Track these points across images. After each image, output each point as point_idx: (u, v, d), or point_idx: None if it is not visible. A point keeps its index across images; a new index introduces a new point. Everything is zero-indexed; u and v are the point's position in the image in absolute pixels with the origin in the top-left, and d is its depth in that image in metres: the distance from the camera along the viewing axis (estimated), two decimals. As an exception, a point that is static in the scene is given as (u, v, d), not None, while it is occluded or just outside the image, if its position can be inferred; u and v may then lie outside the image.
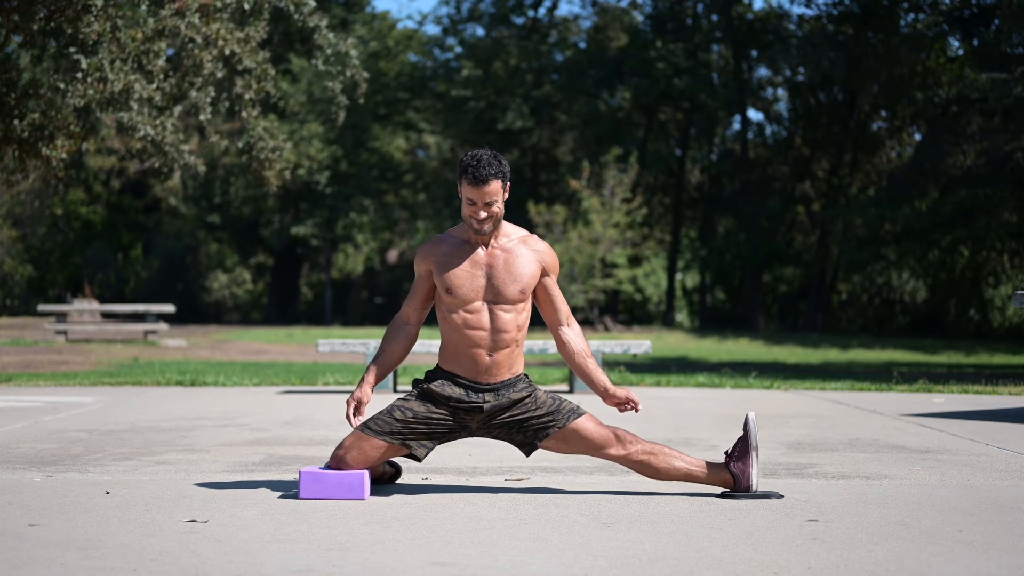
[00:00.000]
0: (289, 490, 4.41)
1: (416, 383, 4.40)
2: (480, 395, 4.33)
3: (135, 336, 20.54)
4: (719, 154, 37.85)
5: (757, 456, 4.32)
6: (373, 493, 4.36)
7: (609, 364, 13.58)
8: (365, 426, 4.30)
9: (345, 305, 41.05)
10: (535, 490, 4.48)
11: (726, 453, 4.39)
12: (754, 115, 38.84)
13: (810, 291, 33.75)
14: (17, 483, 4.57)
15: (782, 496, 4.32)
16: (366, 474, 4.26)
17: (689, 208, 38.92)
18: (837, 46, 31.31)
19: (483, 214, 4.27)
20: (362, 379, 4.39)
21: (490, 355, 4.33)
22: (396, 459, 4.76)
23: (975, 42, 28.86)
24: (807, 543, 3.49)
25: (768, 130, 37.81)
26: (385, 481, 4.60)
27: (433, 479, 4.77)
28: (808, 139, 35.64)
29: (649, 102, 35.40)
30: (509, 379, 4.36)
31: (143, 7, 11.26)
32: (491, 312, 4.33)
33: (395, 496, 4.33)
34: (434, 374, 4.40)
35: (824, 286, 33.60)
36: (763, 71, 36.45)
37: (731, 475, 4.33)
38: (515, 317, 4.35)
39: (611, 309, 34.50)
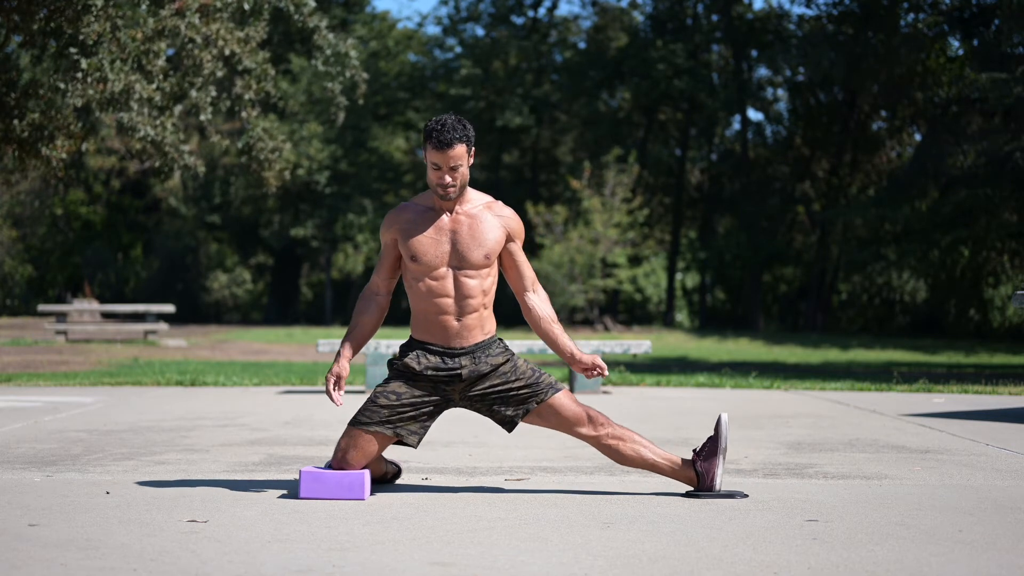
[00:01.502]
0: (289, 490, 4.41)
1: (391, 363, 4.37)
2: (456, 360, 4.31)
3: (135, 336, 20.53)
4: (719, 154, 37.85)
5: (724, 458, 4.33)
6: (373, 493, 4.36)
7: (609, 364, 13.59)
8: (355, 421, 4.30)
9: (345, 305, 41.06)
10: (535, 490, 4.48)
11: (694, 451, 4.39)
12: (754, 115, 38.88)
13: (810, 291, 33.76)
14: (17, 483, 4.57)
15: (747, 495, 4.32)
16: (366, 474, 4.26)
17: (689, 208, 38.93)
18: (837, 46, 31.31)
19: (448, 179, 4.25)
20: (338, 354, 4.36)
21: (458, 320, 4.31)
22: (394, 455, 4.76)
23: (975, 42, 28.86)
24: (807, 543, 3.49)
25: (768, 130, 37.82)
26: (388, 481, 4.61)
27: (433, 479, 4.76)
28: (808, 139, 35.65)
29: (649, 102, 35.41)
30: (483, 341, 4.35)
31: (143, 7, 11.26)
32: (456, 278, 4.31)
33: (395, 496, 4.33)
34: (407, 347, 4.38)
35: (824, 286, 33.60)
36: (763, 71, 36.46)
37: (696, 473, 4.32)
38: (480, 283, 4.33)
39: (611, 309, 34.50)
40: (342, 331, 27.48)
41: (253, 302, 41.49)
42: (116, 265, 39.10)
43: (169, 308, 20.61)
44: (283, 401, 8.66)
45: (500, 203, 4.43)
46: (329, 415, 7.48)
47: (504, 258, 4.43)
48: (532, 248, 32.34)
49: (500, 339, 4.43)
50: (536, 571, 3.12)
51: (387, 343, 9.34)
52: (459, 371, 4.30)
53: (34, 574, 3.04)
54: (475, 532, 3.63)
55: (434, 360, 4.32)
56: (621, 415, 7.57)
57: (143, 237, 40.35)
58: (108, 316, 26.94)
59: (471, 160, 4.31)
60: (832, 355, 22.23)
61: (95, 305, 23.45)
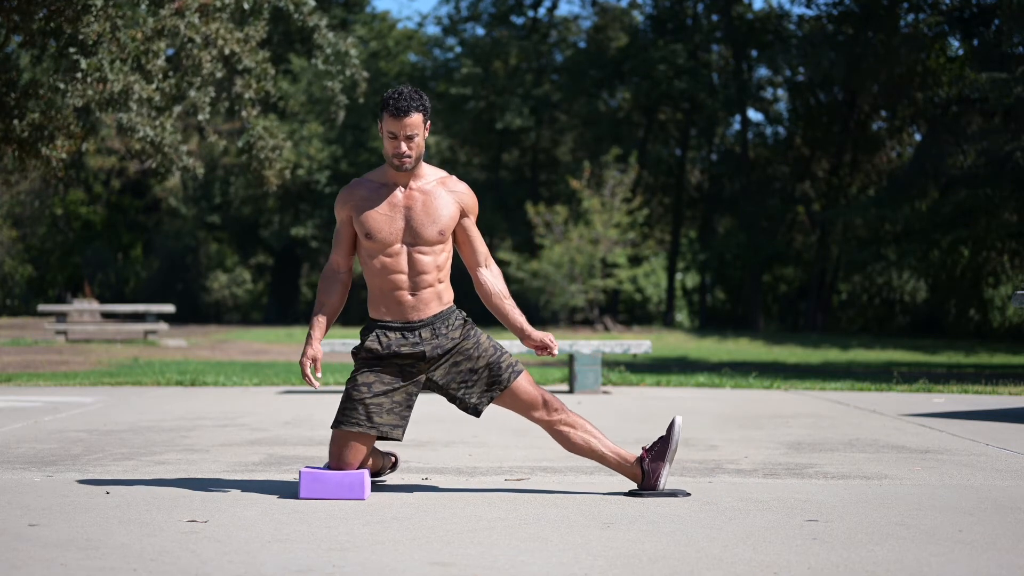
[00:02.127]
0: (289, 490, 4.41)
1: (355, 353, 4.36)
2: (415, 333, 4.30)
3: (135, 336, 20.53)
4: (719, 154, 37.84)
5: (672, 462, 4.35)
6: (373, 493, 4.37)
7: (609, 364, 13.58)
8: (337, 423, 4.29)
9: (345, 305, 41.06)
10: (535, 490, 4.48)
11: (644, 448, 4.41)
12: (754, 115, 38.85)
13: (810, 291, 33.75)
14: (17, 483, 4.57)
15: (689, 494, 4.34)
16: (366, 473, 4.27)
17: (689, 208, 38.92)
18: (837, 46, 31.30)
19: (404, 147, 4.24)
20: (309, 336, 4.36)
21: (413, 295, 4.31)
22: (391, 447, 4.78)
23: (975, 42, 28.85)
24: (807, 543, 3.49)
25: (768, 130, 37.81)
26: (388, 470, 4.61)
27: (433, 479, 4.77)
28: (808, 139, 35.64)
29: (649, 102, 35.41)
30: (440, 312, 4.34)
31: (143, 7, 11.26)
32: (410, 255, 4.31)
33: (395, 496, 4.33)
34: (367, 329, 4.37)
35: (824, 286, 33.59)
36: (763, 71, 36.44)
37: (642, 471, 4.34)
38: (434, 259, 4.32)
39: (611, 309, 34.50)
40: (342, 331, 27.46)
41: (253, 302, 41.48)
42: (116, 265, 39.09)
43: (169, 308, 20.61)
44: (283, 401, 8.66)
45: (454, 178, 4.42)
46: (329, 415, 7.48)
47: (458, 233, 4.42)
48: (532, 248, 32.35)
49: (459, 310, 4.42)
50: (536, 571, 3.12)
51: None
52: (422, 347, 4.29)
53: (34, 574, 3.04)
54: (475, 532, 3.64)
55: (394, 336, 4.31)
56: (621, 415, 7.58)
57: (143, 237, 40.34)
58: (108, 316, 26.94)
59: (427, 132, 4.30)
60: (832, 355, 22.23)
61: (95, 305, 23.45)
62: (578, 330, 29.41)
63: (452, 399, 4.40)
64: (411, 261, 4.31)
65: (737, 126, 36.79)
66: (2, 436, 6.17)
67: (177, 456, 5.42)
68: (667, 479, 4.39)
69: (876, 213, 29.69)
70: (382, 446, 5.45)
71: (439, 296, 4.35)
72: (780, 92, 36.77)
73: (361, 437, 4.27)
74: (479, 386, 4.36)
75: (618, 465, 4.38)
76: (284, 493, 4.35)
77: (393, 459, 4.65)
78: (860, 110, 33.37)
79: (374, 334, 4.33)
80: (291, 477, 4.78)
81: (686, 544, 3.47)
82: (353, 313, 27.02)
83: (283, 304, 38.79)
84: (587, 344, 9.65)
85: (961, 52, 30.62)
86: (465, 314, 4.45)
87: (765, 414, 7.66)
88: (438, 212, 4.32)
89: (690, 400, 8.96)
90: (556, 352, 4.45)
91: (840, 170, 34.09)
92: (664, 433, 4.42)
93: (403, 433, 4.34)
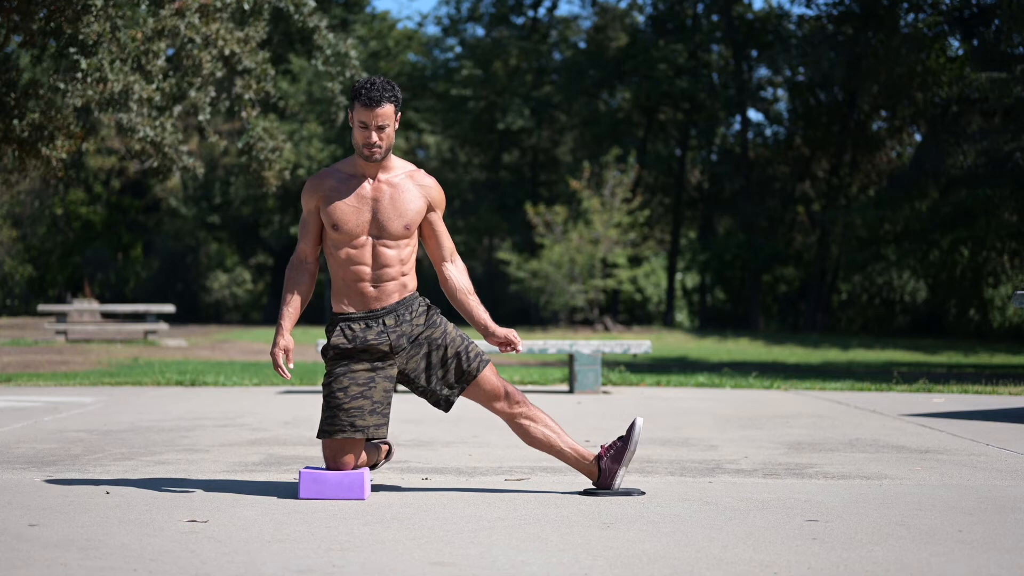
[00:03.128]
0: (289, 490, 4.41)
1: (323, 353, 4.36)
2: (379, 321, 4.30)
3: (135, 336, 20.53)
4: (719, 154, 37.84)
5: (629, 463, 4.36)
6: (373, 493, 4.37)
7: (609, 364, 13.58)
8: (322, 432, 4.29)
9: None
10: (535, 490, 4.48)
11: (602, 446, 4.42)
12: (754, 115, 38.88)
13: (810, 291, 33.75)
14: (17, 483, 4.57)
15: (643, 492, 4.36)
16: (366, 473, 4.27)
17: (689, 208, 38.91)
18: (837, 46, 31.30)
19: (375, 137, 4.24)
20: (279, 327, 4.36)
21: (375, 287, 4.32)
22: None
23: (975, 42, 28.85)
24: (807, 543, 3.49)
25: (768, 130, 37.82)
26: (383, 461, 4.62)
27: (433, 479, 4.77)
28: (808, 139, 35.63)
29: (649, 102, 35.40)
30: (402, 299, 4.34)
31: (143, 7, 11.25)
32: (374, 247, 4.31)
33: (395, 496, 4.33)
34: (331, 325, 4.37)
35: (824, 286, 33.59)
36: (763, 71, 36.45)
37: (599, 469, 4.35)
38: (398, 253, 4.33)
39: (611, 309, 34.50)
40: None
41: (253, 302, 41.48)
42: (116, 265, 39.09)
43: (169, 308, 20.60)
44: (283, 401, 8.66)
45: (422, 172, 4.42)
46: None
47: (424, 228, 4.42)
48: (532, 248, 32.33)
49: (422, 297, 4.43)
50: (536, 571, 3.12)
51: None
52: (386, 335, 4.29)
53: (34, 574, 3.04)
54: (475, 532, 3.64)
55: (358, 328, 4.31)
56: (621, 415, 7.58)
57: (143, 237, 40.34)
58: (108, 316, 26.93)
59: (397, 123, 4.30)
60: (832, 355, 22.23)
61: (95, 305, 23.44)
62: (578, 330, 29.41)
63: (422, 392, 4.40)
64: (375, 254, 4.32)
65: (737, 126, 36.80)
66: (2, 436, 6.17)
67: (177, 456, 5.42)
68: (623, 479, 4.42)
69: (876, 213, 29.68)
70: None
71: (403, 286, 4.35)
72: (780, 92, 36.77)
73: (349, 443, 4.28)
74: (449, 377, 4.36)
75: (575, 462, 4.39)
76: (284, 493, 4.35)
77: (387, 448, 4.64)
78: (860, 110, 33.37)
79: (338, 328, 4.34)
80: (291, 477, 4.78)
81: (686, 544, 3.47)
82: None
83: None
84: (587, 344, 9.65)
85: (961, 52, 30.61)
86: (429, 301, 4.44)
87: (765, 414, 7.66)
88: (405, 206, 4.32)
89: (690, 400, 8.95)
90: (521, 349, 4.45)
91: (840, 170, 34.09)
92: (624, 433, 4.43)
93: (387, 430, 4.35)
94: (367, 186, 4.32)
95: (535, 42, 36.29)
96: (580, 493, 4.38)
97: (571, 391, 9.64)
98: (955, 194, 28.39)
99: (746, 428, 6.79)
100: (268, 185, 12.73)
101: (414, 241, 4.39)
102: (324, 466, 4.36)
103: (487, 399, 4.38)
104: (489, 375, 4.38)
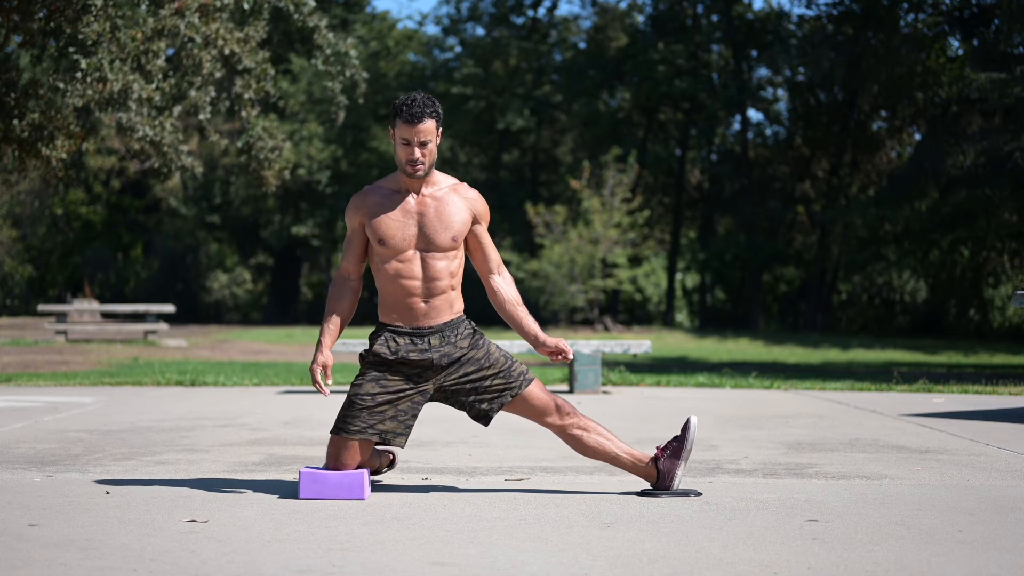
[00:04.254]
0: (289, 490, 4.41)
1: (363, 356, 4.35)
2: (424, 339, 4.29)
3: (135, 336, 20.53)
4: (719, 154, 37.84)
5: (687, 460, 4.36)
6: (373, 493, 4.37)
7: (609, 364, 13.58)
8: (337, 429, 4.29)
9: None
10: (535, 490, 4.48)
11: (658, 447, 4.41)
12: (754, 115, 38.85)
13: (810, 291, 33.75)
14: (17, 483, 4.57)
15: (700, 494, 4.34)
16: (366, 474, 4.26)
17: (689, 208, 38.92)
18: (837, 46, 31.30)
19: (418, 154, 4.24)
20: (320, 343, 4.34)
21: (425, 302, 4.31)
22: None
23: (975, 42, 28.85)
24: (807, 543, 3.49)
25: (768, 130, 37.82)
26: (385, 469, 4.62)
27: (433, 479, 4.76)
28: (808, 139, 35.64)
29: (649, 103, 35.40)
30: (451, 320, 4.34)
31: (143, 7, 11.25)
32: (423, 260, 4.30)
33: (395, 496, 4.33)
34: (376, 333, 4.36)
35: (824, 286, 33.59)
36: (763, 71, 36.45)
37: (657, 471, 4.35)
38: (447, 265, 4.32)
39: (611, 309, 34.50)
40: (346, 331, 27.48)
41: (253, 302, 41.47)
42: (116, 265, 39.08)
43: (169, 308, 20.60)
44: (283, 401, 8.66)
45: (465, 185, 4.43)
46: (329, 415, 7.47)
47: (470, 240, 4.42)
48: (532, 248, 32.34)
49: (468, 320, 4.43)
50: (536, 571, 3.12)
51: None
52: (430, 354, 4.28)
53: (34, 574, 3.04)
54: (475, 532, 3.63)
55: (403, 342, 4.30)
56: (621, 415, 7.58)
57: (143, 237, 40.33)
58: (108, 316, 26.92)
59: (439, 138, 4.31)
60: (832, 355, 22.23)
61: (95, 305, 23.44)
62: (578, 330, 29.40)
63: (461, 406, 4.40)
64: (424, 267, 4.31)
65: (737, 126, 36.80)
66: (2, 436, 6.17)
67: (177, 456, 5.41)
68: (681, 478, 4.39)
69: (876, 213, 29.68)
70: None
71: (451, 305, 4.35)
72: (780, 92, 36.77)
73: (360, 444, 4.28)
74: (489, 394, 4.36)
75: (633, 467, 4.38)
76: (284, 493, 4.35)
77: (391, 457, 4.65)
78: (860, 110, 33.37)
79: (383, 338, 4.33)
80: (291, 477, 4.77)
81: (686, 544, 3.47)
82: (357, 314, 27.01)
83: (283, 304, 38.79)
84: (587, 344, 9.65)
85: (961, 52, 30.62)
86: (475, 324, 4.45)
87: (765, 414, 7.66)
88: (451, 218, 4.32)
89: (690, 400, 8.95)
90: (572, 357, 4.45)
91: (840, 170, 34.09)
92: (679, 432, 4.42)
93: (405, 441, 4.34)
94: (411, 200, 4.33)
95: (535, 42, 36.29)
96: (637, 494, 4.36)
97: (571, 391, 9.63)
98: (955, 194, 28.39)
99: (746, 428, 6.79)
100: (268, 185, 12.72)
101: (461, 254, 4.39)
102: (323, 466, 4.36)
103: (537, 415, 4.38)
104: (537, 391, 4.37)
